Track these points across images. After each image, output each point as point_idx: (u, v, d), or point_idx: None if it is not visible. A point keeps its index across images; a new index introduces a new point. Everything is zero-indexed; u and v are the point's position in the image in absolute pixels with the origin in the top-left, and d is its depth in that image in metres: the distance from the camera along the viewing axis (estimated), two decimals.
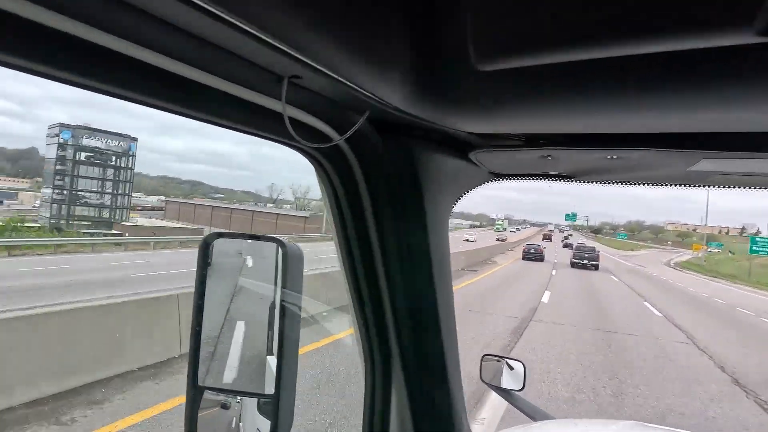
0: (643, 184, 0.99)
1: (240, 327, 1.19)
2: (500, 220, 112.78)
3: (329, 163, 0.76)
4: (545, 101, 0.61)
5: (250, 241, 1.16)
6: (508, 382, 1.85)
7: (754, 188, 0.95)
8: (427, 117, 0.68)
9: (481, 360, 1.91)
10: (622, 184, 1.00)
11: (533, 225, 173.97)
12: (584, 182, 1.02)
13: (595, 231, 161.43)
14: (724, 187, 0.97)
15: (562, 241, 64.27)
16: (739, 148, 0.69)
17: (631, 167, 0.88)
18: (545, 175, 1.03)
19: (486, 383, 1.89)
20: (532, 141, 0.77)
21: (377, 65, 0.53)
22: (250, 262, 1.19)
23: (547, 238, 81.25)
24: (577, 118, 0.67)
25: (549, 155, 0.83)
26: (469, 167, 0.93)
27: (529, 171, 1.01)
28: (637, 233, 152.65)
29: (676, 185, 0.97)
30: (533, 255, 32.56)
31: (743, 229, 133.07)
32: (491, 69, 0.50)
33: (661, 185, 0.98)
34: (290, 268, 0.97)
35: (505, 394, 1.88)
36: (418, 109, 0.66)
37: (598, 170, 0.94)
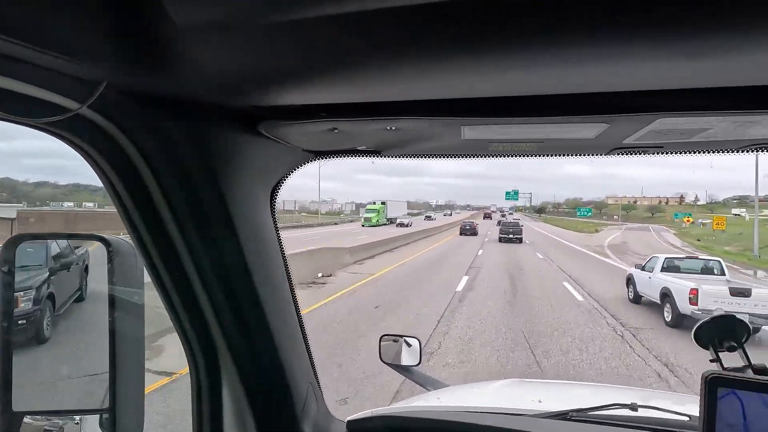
0: (437, 156, 1.01)
1: (75, 338, 1.09)
2: (374, 204, 61.23)
3: (87, 143, 0.67)
4: (303, 65, 0.57)
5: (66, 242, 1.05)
6: (407, 359, 1.91)
7: (527, 155, 0.98)
8: (173, 88, 0.63)
9: (380, 341, 1.96)
10: (419, 156, 1.03)
11: (476, 209, 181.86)
12: (390, 156, 1.04)
13: (539, 210, 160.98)
14: (504, 156, 1.00)
15: (499, 220, 69.32)
16: (492, 113, 0.70)
17: (413, 138, 0.88)
18: (355, 151, 1.02)
19: (386, 363, 1.93)
20: (312, 112, 0.74)
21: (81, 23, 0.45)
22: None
23: (488, 216, 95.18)
24: (348, 86, 0.64)
25: (335, 128, 0.80)
26: (275, 146, 0.90)
27: (336, 146, 1.00)
28: (604, 209, 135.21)
29: (461, 156, 1.01)
30: (468, 231, 38.78)
31: (682, 198, 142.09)
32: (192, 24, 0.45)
33: (448, 156, 1.00)
34: (121, 267, 0.88)
35: (405, 371, 1.95)
36: (159, 78, 0.59)
37: (389, 142, 0.94)
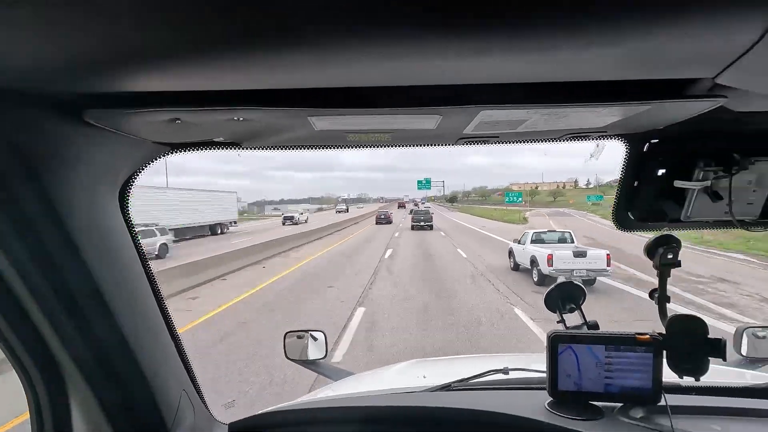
0: (299, 147, 1.00)
1: None
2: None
3: None
4: (130, 48, 0.51)
5: None
6: (313, 352, 1.92)
7: (383, 146, 1.02)
8: None
9: (284, 338, 1.93)
10: (281, 148, 1.01)
11: (388, 200, 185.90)
12: (251, 148, 1.00)
13: (451, 200, 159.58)
14: (363, 146, 1.04)
15: (411, 209, 73.10)
16: (337, 104, 0.71)
17: (265, 129, 0.86)
18: (213, 143, 0.97)
19: (292, 360, 1.92)
20: (147, 100, 0.67)
21: None
22: None
23: (402, 206, 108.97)
24: (186, 73, 0.60)
25: (176, 118, 0.75)
26: (116, 138, 0.81)
27: (190, 138, 0.94)
28: (533, 197, 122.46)
29: (323, 147, 1.00)
30: (383, 220, 44.48)
31: (576, 182, 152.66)
32: None
33: (310, 147, 1.00)
34: None
35: (312, 365, 1.96)
36: None
37: (243, 134, 0.90)
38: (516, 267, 13.52)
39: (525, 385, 1.33)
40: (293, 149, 1.03)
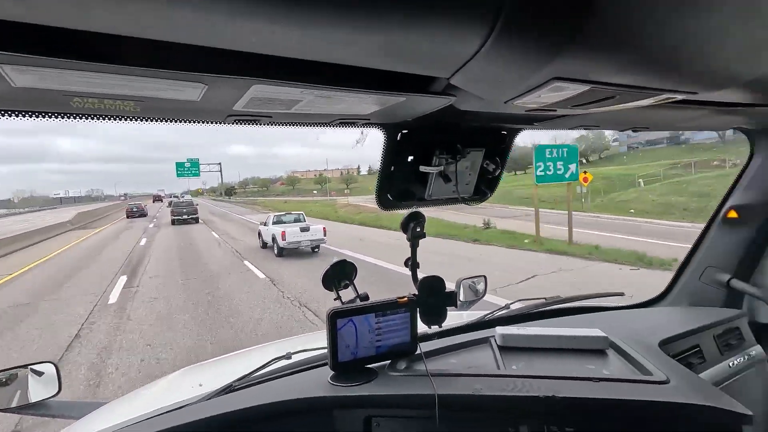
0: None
1: None
2: None
3: None
4: None
5: None
6: (39, 392, 1.46)
7: (130, 118, 0.82)
8: None
9: None
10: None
11: (136, 198, 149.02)
12: None
13: (227, 192, 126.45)
14: (99, 116, 0.79)
15: (170, 201, 62.70)
16: (46, 51, 0.53)
17: None
18: None
19: (2, 410, 1.41)
20: None
21: None
22: None
23: (158, 200, 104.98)
24: None
25: None
26: None
27: None
28: (297, 185, 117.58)
29: (24, 114, 0.73)
30: (136, 213, 43.31)
31: (358, 168, 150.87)
32: None
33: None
34: None
35: (37, 409, 1.47)
36: None
37: None
38: (264, 245, 16.36)
39: (306, 366, 1.36)
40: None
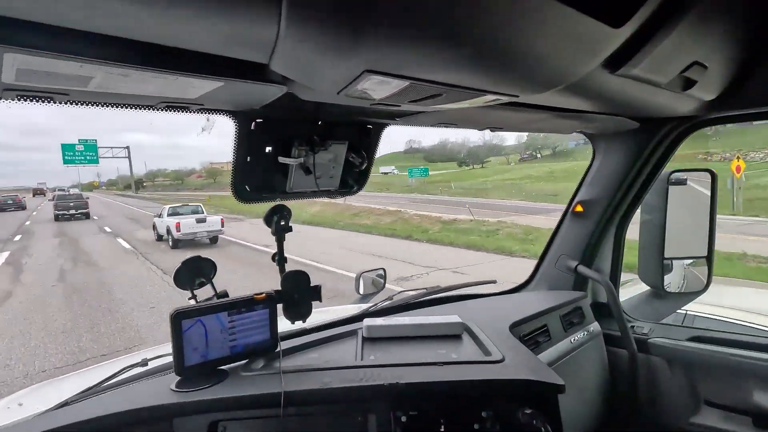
0: None
1: None
2: None
3: None
4: None
5: None
6: None
7: None
8: None
9: None
10: None
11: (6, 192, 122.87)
12: None
13: (135, 185, 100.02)
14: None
15: (54, 195, 50.74)
16: None
17: None
18: None
19: None
20: None
21: None
22: None
23: (39, 193, 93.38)
24: None
25: None
26: None
27: None
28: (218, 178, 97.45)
29: None
30: (11, 206, 39.94)
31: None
32: None
33: None
34: None
35: None
36: None
37: None
38: (159, 237, 16.08)
39: (161, 372, 1.26)
40: None
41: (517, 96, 0.94)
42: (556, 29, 0.67)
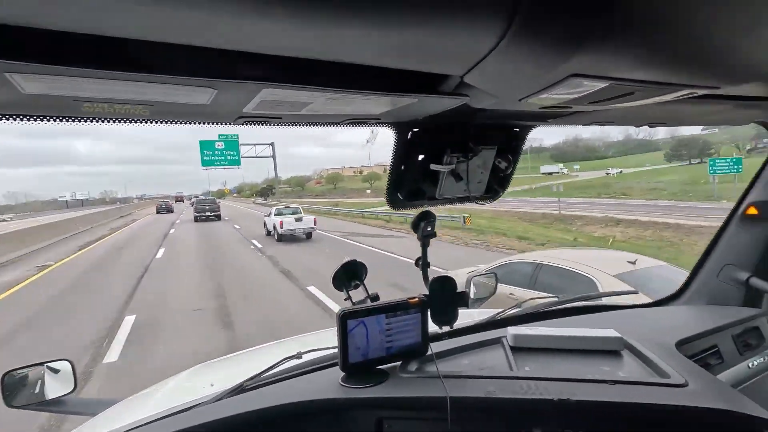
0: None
1: None
2: None
3: None
4: None
5: None
6: (56, 389, 1.50)
7: (139, 121, 0.80)
8: None
9: (1, 381, 1.45)
10: None
11: (150, 200, 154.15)
12: None
13: (264, 192, 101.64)
14: (110, 119, 0.77)
15: (193, 200, 65.22)
16: (55, 60, 0.50)
17: None
18: None
19: (18, 407, 1.45)
20: None
21: None
22: None
23: (180, 200, 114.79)
24: None
25: None
26: None
27: None
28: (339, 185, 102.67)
29: (35, 118, 0.72)
30: (164, 209, 50.49)
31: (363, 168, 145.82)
32: None
33: (15, 117, 0.70)
34: None
35: (55, 405, 1.51)
36: None
37: None
38: (268, 233, 19.97)
39: (317, 366, 1.33)
40: None
41: (718, 87, 0.83)
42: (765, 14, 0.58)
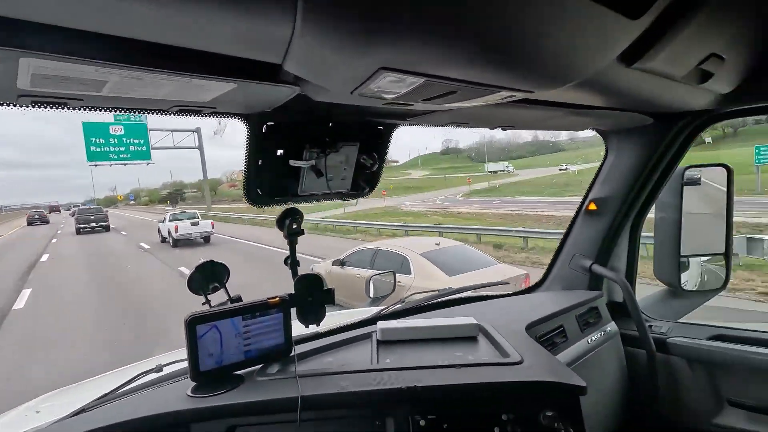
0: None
1: None
2: None
3: None
4: None
5: None
6: None
7: None
8: None
9: None
10: None
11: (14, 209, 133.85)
12: None
13: (172, 198, 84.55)
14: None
15: (73, 210, 52.90)
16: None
17: None
18: None
19: None
20: None
21: None
22: None
23: (55, 210, 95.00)
24: None
25: None
26: None
27: None
28: None
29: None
30: (37, 220, 44.41)
31: None
32: None
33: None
34: None
35: None
36: None
37: None
38: (163, 239, 19.43)
39: (176, 378, 1.24)
40: None
41: (532, 92, 0.92)
42: (572, 22, 0.65)
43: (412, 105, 0.98)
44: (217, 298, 1.23)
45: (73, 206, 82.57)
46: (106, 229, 28.52)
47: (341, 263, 7.42)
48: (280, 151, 1.14)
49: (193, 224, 18.02)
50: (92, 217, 28.42)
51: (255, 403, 1.05)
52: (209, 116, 0.98)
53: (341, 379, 1.13)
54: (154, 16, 0.50)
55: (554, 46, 0.72)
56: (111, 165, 27.20)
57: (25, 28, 0.51)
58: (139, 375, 1.24)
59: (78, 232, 27.65)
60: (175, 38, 0.58)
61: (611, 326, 1.82)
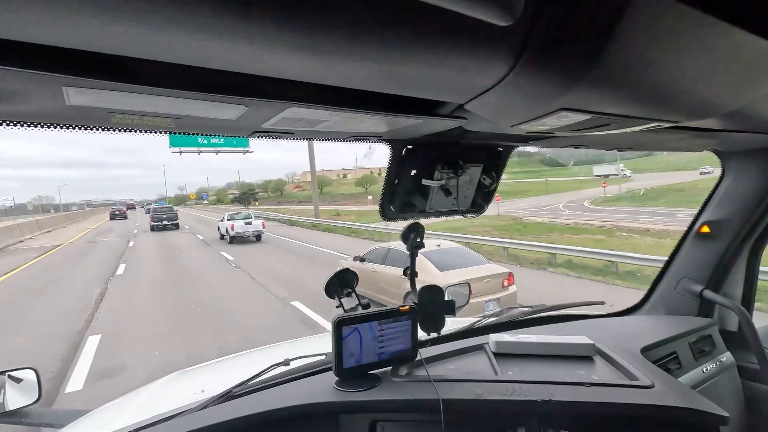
0: (42, 125, 0.76)
1: None
2: None
3: None
4: None
5: None
6: (17, 400, 1.37)
7: (164, 131, 0.86)
8: None
9: None
10: (16, 124, 0.73)
11: (95, 207, 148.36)
12: None
13: (242, 198, 70.58)
14: (135, 130, 0.83)
15: (148, 208, 60.23)
16: (106, 76, 0.56)
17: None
18: None
19: None
20: None
21: None
22: None
23: (131, 207, 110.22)
24: None
25: None
26: None
27: None
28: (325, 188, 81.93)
29: (79, 127, 0.79)
30: (117, 216, 51.99)
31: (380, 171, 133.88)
32: None
33: (58, 126, 0.77)
34: None
35: (16, 417, 1.38)
36: None
37: None
38: (222, 236, 21.61)
39: (307, 372, 1.33)
40: (34, 126, 0.75)
41: (679, 122, 0.92)
42: (729, 54, 0.66)
43: (553, 134, 1.01)
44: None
45: (147, 204, 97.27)
46: (176, 227, 30.47)
47: (361, 259, 8.12)
48: (413, 171, 1.23)
49: (246, 224, 20.03)
50: (164, 216, 30.54)
51: (396, 401, 1.13)
52: (369, 142, 1.10)
53: (474, 386, 1.18)
54: (371, 72, 0.58)
55: (707, 85, 0.73)
56: (199, 153, 23.89)
57: (292, 84, 0.63)
58: (270, 367, 1.33)
59: (152, 229, 29.87)
60: (387, 88, 0.66)
61: (727, 357, 1.74)
